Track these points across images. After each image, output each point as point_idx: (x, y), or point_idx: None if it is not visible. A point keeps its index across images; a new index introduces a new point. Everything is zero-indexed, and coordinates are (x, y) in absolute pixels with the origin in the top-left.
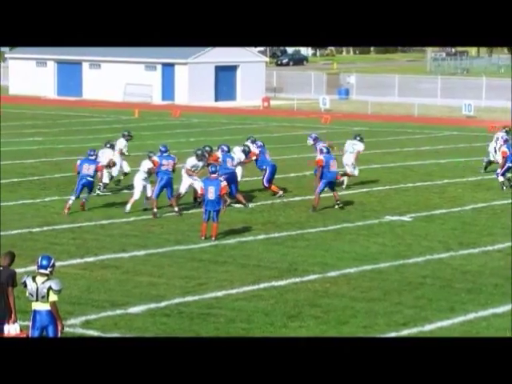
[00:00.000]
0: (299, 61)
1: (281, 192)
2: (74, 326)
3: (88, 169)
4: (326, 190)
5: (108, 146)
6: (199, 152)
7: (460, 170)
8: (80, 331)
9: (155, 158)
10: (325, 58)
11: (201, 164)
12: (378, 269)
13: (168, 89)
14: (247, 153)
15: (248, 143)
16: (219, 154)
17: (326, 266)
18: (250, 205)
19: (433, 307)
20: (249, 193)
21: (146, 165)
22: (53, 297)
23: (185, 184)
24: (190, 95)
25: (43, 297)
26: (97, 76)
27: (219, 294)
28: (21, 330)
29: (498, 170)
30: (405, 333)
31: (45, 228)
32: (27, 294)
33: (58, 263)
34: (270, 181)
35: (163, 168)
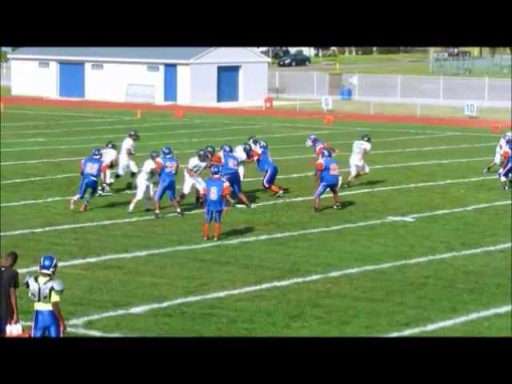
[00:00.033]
0: (301, 61)
1: (281, 192)
2: (76, 326)
3: (92, 168)
4: (327, 190)
5: (110, 146)
6: (202, 152)
7: (462, 171)
8: (82, 331)
9: (159, 160)
10: (327, 58)
11: (203, 164)
12: (380, 269)
13: (170, 89)
14: (248, 151)
15: (250, 143)
16: (221, 154)
17: (328, 266)
18: (253, 205)
19: (435, 307)
20: (251, 193)
21: (149, 165)
22: (55, 297)
23: (187, 184)
24: (193, 96)
25: (45, 297)
26: (99, 76)
27: (221, 294)
28: (23, 331)
29: (501, 171)
30: (407, 333)
31: (47, 228)
32: (29, 295)
33: (60, 263)
34: (270, 182)
35: (167, 170)
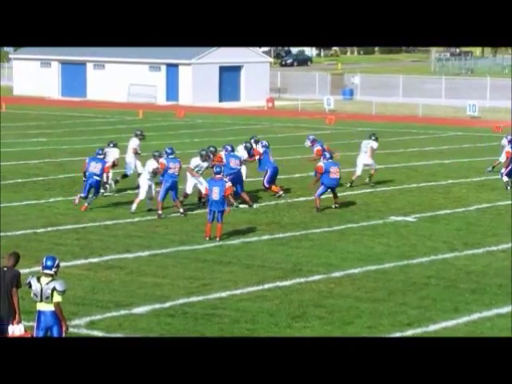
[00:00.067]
0: (303, 61)
1: (281, 192)
2: (78, 326)
3: (95, 167)
4: (328, 191)
5: (112, 145)
6: (203, 152)
7: (464, 171)
8: (84, 332)
9: (162, 161)
10: (329, 58)
11: (205, 164)
12: (383, 269)
13: (172, 89)
14: (250, 150)
15: (251, 142)
16: (223, 154)
17: (331, 266)
18: (255, 205)
19: (437, 307)
20: (253, 193)
21: (151, 165)
22: (57, 298)
23: (190, 184)
24: (194, 96)
25: (47, 297)
26: (101, 76)
27: (224, 294)
28: (25, 331)
29: (503, 170)
30: (409, 333)
31: (49, 229)
32: (32, 295)
33: (62, 264)
34: (270, 182)
35: (170, 171)
